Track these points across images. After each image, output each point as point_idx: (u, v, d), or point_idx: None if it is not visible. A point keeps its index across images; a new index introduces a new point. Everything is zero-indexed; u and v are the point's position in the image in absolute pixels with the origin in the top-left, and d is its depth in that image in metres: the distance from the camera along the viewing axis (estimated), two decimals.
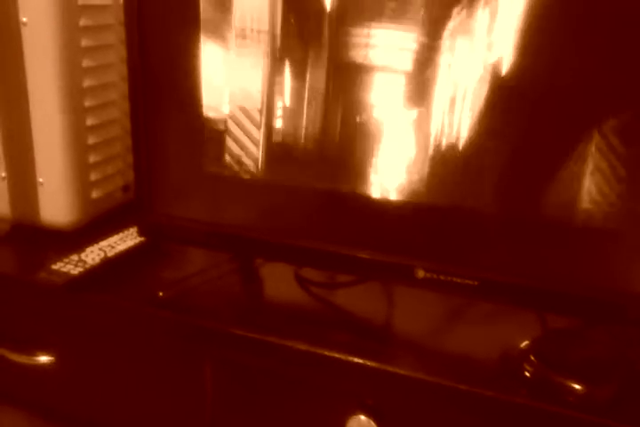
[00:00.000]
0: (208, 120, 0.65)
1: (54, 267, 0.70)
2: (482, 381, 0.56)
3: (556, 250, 0.57)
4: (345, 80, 0.59)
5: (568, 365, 0.56)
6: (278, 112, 0.62)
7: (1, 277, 0.73)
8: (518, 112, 0.55)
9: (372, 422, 0.60)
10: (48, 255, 0.76)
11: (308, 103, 0.61)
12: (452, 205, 0.59)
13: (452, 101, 0.56)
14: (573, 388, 0.54)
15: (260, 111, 0.63)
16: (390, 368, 0.58)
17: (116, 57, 0.83)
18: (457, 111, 0.56)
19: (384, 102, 0.58)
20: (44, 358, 0.75)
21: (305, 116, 0.62)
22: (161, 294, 0.68)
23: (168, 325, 0.66)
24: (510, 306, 0.64)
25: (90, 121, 0.80)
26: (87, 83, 0.78)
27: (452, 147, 0.57)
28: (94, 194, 0.82)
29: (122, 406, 0.75)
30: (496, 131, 0.56)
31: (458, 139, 0.57)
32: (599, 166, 0.54)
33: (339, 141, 0.61)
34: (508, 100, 0.55)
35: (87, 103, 0.79)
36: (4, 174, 0.80)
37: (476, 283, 0.59)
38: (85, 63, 0.78)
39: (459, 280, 0.60)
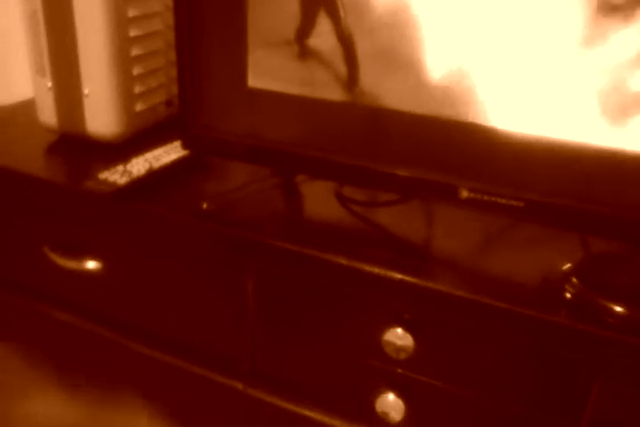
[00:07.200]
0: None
1: (101, 176, 0.71)
2: (521, 300, 0.56)
3: (603, 171, 0.55)
4: None
5: (609, 287, 0.56)
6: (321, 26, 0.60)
7: (50, 186, 0.75)
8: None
9: (409, 335, 0.61)
10: (95, 166, 0.77)
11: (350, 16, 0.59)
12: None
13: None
14: (614, 310, 0.54)
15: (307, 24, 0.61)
16: (429, 284, 0.59)
17: None
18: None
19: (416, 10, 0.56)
20: (91, 264, 0.78)
21: (349, 29, 0.59)
22: (205, 205, 0.69)
23: (211, 236, 0.67)
24: (554, 229, 0.63)
25: (133, 32, 0.79)
26: None
27: (495, 62, 0.55)
28: (138, 107, 0.83)
29: (165, 314, 0.77)
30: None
31: (501, 53, 0.55)
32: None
33: (379, 56, 0.59)
34: None
35: (130, 14, 0.78)
36: (49, 84, 0.80)
37: (521, 204, 0.58)
38: None
39: (504, 201, 0.59)
